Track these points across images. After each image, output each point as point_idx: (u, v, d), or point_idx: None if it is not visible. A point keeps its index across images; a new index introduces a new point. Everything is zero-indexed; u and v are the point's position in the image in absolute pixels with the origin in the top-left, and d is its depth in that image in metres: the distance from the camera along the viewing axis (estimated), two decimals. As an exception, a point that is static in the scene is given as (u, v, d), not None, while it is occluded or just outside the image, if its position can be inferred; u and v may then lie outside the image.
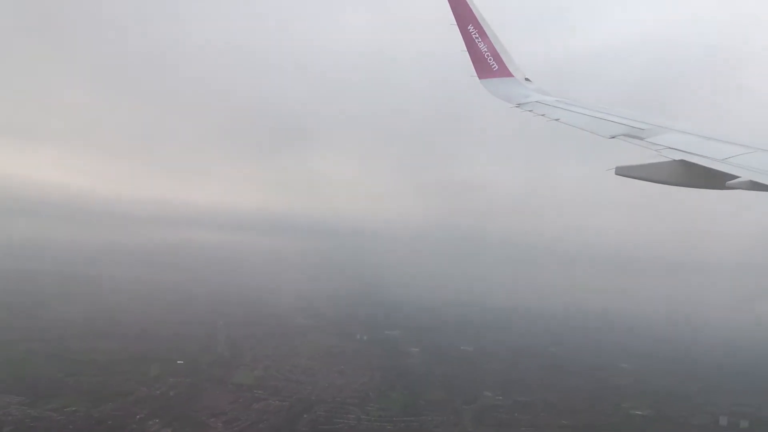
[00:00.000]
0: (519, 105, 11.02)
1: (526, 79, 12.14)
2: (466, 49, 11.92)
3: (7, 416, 51.19)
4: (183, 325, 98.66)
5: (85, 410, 54.19)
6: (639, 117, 9.10)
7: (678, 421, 67.51)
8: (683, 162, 7.40)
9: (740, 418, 68.31)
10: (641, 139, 8.28)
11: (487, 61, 11.99)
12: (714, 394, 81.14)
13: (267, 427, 55.62)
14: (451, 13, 11.86)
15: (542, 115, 10.18)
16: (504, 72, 12.04)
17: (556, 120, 9.77)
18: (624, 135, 8.47)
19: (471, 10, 11.87)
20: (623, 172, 7.67)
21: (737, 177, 6.44)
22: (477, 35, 11.91)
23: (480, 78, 12.08)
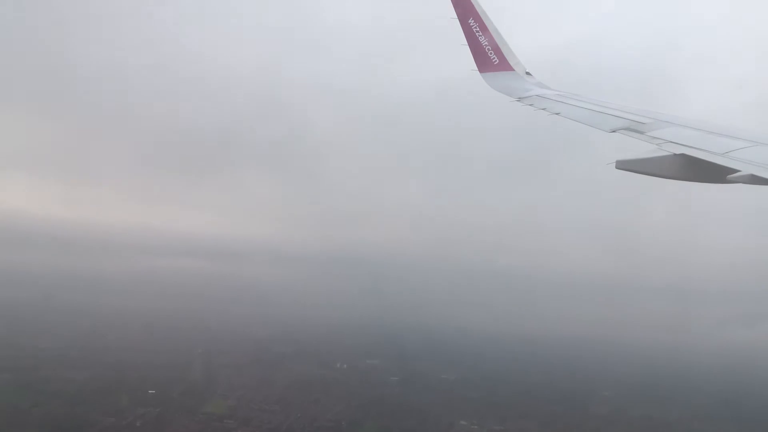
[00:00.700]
0: (519, 99, 11.07)
1: (527, 73, 12.22)
2: (466, 43, 12.02)
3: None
4: (158, 354, 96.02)
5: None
6: (640, 111, 9.13)
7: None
8: (684, 156, 7.38)
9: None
10: (642, 133, 8.29)
11: (487, 54, 12.06)
12: (701, 423, 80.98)
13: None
14: (452, 6, 11.97)
15: (543, 109, 10.21)
16: (504, 66, 12.11)
17: (557, 114, 9.81)
18: (625, 129, 8.49)
19: (472, 3, 11.98)
20: (624, 166, 7.64)
21: (738, 171, 6.42)
22: (478, 29, 12.00)
23: (480, 72, 12.14)
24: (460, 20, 12.06)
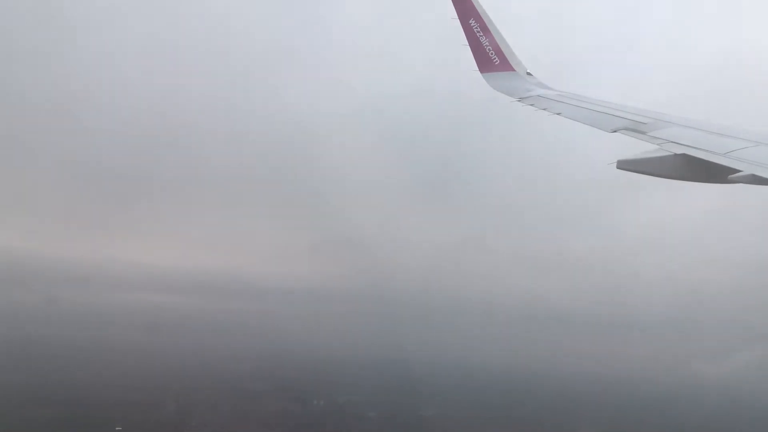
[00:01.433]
0: (521, 99, 11.12)
1: (528, 74, 12.28)
2: (468, 44, 12.07)
3: None
4: (129, 391, 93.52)
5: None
6: (641, 111, 9.15)
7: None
8: (685, 156, 7.41)
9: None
10: (643, 133, 8.32)
11: (488, 55, 12.10)
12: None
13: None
14: (453, 7, 12.01)
15: (544, 109, 10.26)
16: (506, 66, 12.15)
17: (558, 114, 9.85)
18: (626, 129, 8.52)
19: (473, 4, 12.03)
20: (625, 166, 7.67)
21: (739, 171, 6.45)
22: (479, 29, 12.04)
23: (482, 72, 12.19)
24: (460, 20, 12.10)
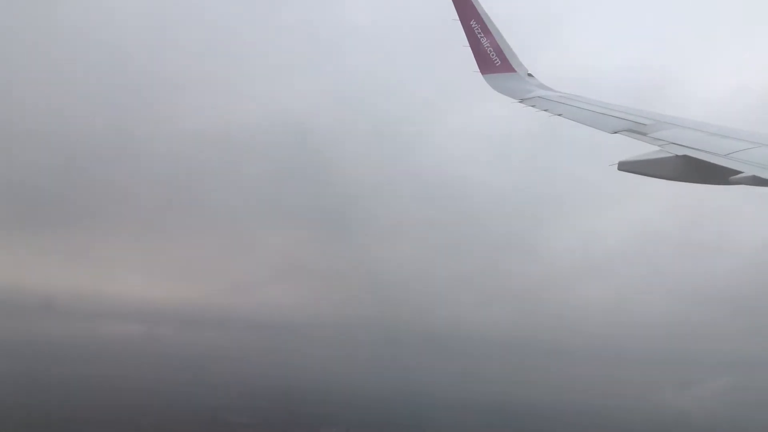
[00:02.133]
0: (522, 100, 11.16)
1: (529, 75, 12.32)
2: (468, 45, 12.11)
3: None
4: (97, 426, 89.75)
5: None
6: (642, 112, 9.18)
7: None
8: (686, 157, 7.42)
9: None
10: (644, 134, 8.34)
11: (489, 56, 12.15)
12: None
13: None
14: (454, 8, 12.04)
15: (545, 110, 10.30)
16: (506, 67, 12.20)
17: (559, 115, 9.88)
18: (627, 130, 8.55)
19: (474, 5, 12.07)
20: (626, 167, 7.70)
21: (740, 172, 6.46)
22: (480, 30, 12.08)
23: (483, 74, 12.23)
24: (461, 22, 12.15)
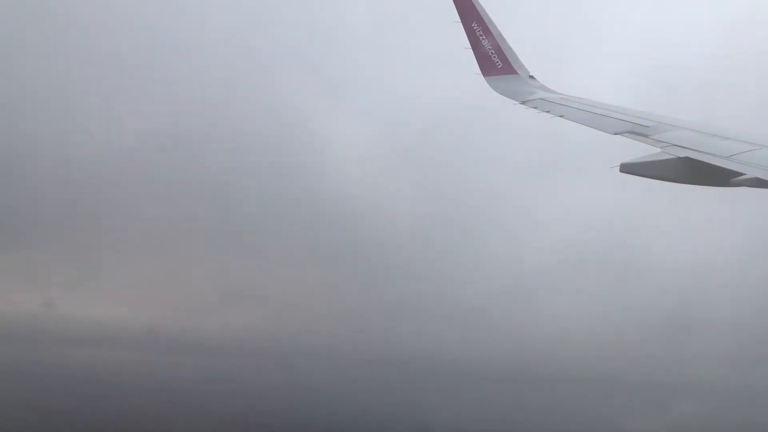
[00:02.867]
0: (523, 102, 11.18)
1: (531, 77, 12.36)
2: (470, 47, 12.15)
3: None
4: None
5: None
6: (644, 114, 9.17)
7: None
8: (688, 159, 7.41)
9: None
10: (646, 136, 8.33)
11: (491, 58, 12.19)
12: None
13: None
14: (455, 10, 12.08)
15: (547, 111, 10.31)
16: (508, 69, 12.24)
17: (561, 116, 9.89)
18: (628, 132, 8.54)
19: (475, 7, 12.10)
20: (628, 169, 7.68)
21: (742, 174, 6.44)
22: (481, 32, 12.12)
23: (484, 75, 12.28)
24: (463, 24, 12.18)
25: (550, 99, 11.14)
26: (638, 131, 8.53)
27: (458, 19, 12.19)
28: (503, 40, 12.39)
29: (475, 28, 12.16)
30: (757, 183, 6.11)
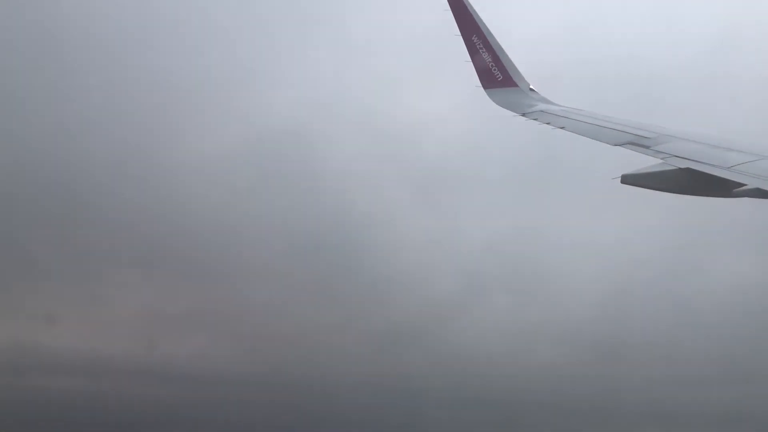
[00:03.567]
0: (524, 114, 11.24)
1: (531, 89, 12.42)
2: (470, 60, 12.23)
3: None
4: None
5: None
6: (644, 125, 9.20)
7: None
8: (689, 170, 7.43)
9: None
10: (647, 147, 8.35)
11: (491, 71, 12.26)
12: None
13: None
14: (455, 23, 12.16)
15: (547, 123, 10.36)
16: (508, 82, 12.31)
17: (562, 128, 9.92)
18: (629, 143, 8.57)
19: (475, 20, 12.19)
20: (629, 180, 7.70)
21: (744, 185, 6.47)
22: (481, 45, 12.20)
23: (485, 88, 12.35)
24: (463, 36, 12.27)
25: (550, 111, 11.19)
26: (639, 142, 8.55)
27: (458, 32, 12.29)
28: (503, 52, 12.47)
29: (475, 40, 12.24)
30: (759, 193, 6.13)
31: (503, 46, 12.45)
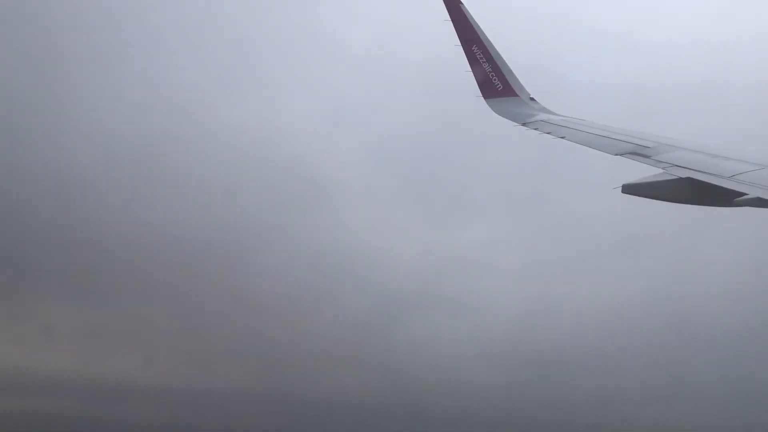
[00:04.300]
0: (524, 124, 11.26)
1: (532, 99, 12.46)
2: (470, 69, 12.27)
3: None
4: None
5: None
6: (645, 135, 9.22)
7: None
8: (690, 180, 7.42)
9: None
10: (647, 156, 8.35)
11: (491, 81, 12.31)
12: None
13: None
14: (455, 33, 12.21)
15: (548, 133, 10.38)
16: (509, 92, 12.35)
17: (562, 138, 9.94)
18: (630, 153, 8.57)
19: (475, 30, 12.24)
20: (630, 190, 7.69)
21: (745, 194, 6.46)
22: (481, 55, 12.25)
23: (485, 98, 12.38)
24: (463, 46, 12.32)
25: (551, 121, 11.22)
26: (640, 152, 8.55)
27: (458, 42, 12.33)
28: (503, 62, 12.52)
29: (475, 50, 12.29)
30: (760, 203, 6.12)
31: (503, 56, 12.52)
